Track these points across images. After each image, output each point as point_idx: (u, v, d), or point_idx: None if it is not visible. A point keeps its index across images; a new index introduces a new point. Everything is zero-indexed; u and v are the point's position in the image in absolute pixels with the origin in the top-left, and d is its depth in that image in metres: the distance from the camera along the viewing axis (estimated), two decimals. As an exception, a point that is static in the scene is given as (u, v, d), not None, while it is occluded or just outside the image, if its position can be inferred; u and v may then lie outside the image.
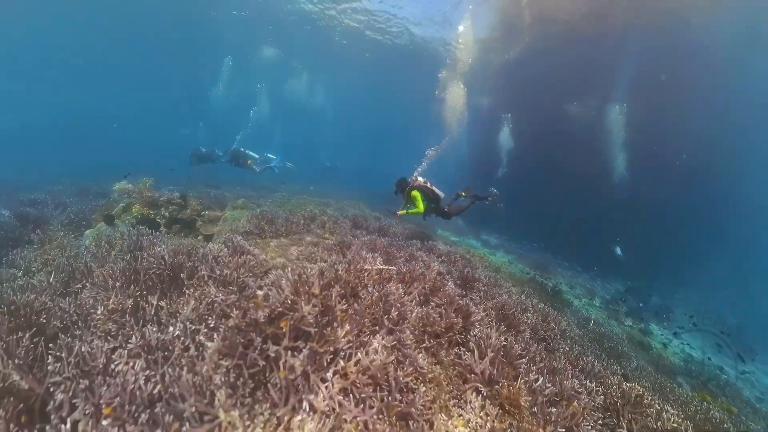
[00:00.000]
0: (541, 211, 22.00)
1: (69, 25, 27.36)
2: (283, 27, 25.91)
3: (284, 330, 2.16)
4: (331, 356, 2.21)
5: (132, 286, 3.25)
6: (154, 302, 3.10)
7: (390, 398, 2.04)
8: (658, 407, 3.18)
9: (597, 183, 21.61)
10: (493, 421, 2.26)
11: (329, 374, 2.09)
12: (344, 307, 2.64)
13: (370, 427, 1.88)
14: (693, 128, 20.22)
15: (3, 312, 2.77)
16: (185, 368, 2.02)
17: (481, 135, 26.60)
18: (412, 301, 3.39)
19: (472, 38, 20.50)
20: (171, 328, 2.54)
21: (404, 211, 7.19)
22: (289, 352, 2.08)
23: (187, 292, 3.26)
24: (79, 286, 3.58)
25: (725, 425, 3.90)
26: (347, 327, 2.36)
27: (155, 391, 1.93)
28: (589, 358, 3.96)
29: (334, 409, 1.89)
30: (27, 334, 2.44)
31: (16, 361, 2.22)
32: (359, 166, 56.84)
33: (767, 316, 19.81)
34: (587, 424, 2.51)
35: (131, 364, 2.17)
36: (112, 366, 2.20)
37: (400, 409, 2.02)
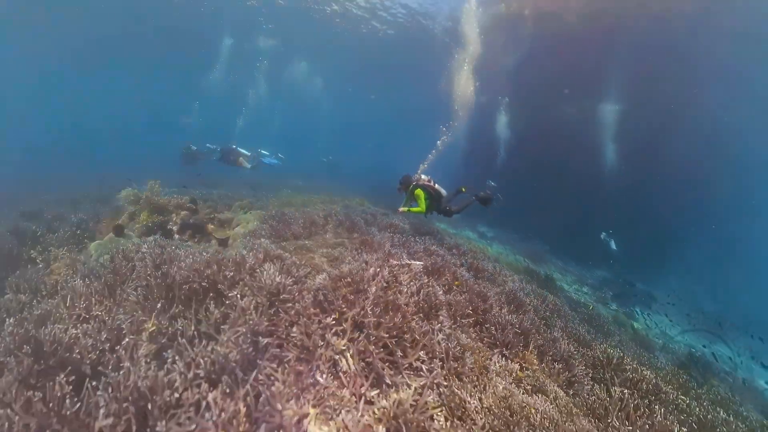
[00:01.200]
0: (533, 204, 23.03)
1: (56, 27, 27.15)
2: (282, 15, 25.70)
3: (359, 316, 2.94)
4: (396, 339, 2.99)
5: (167, 304, 3.11)
6: (192, 316, 2.98)
7: (448, 364, 2.84)
8: (635, 366, 4.06)
9: (588, 177, 22.73)
10: (515, 373, 3.09)
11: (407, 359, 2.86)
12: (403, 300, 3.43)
13: (439, 382, 2.68)
14: (681, 125, 21.45)
15: (28, 354, 2.35)
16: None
17: (479, 127, 27.33)
18: (440, 290, 4.20)
19: (476, 25, 20.72)
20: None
21: (406, 209, 7.25)
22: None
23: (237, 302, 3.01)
24: (102, 309, 3.34)
25: (688, 382, 4.84)
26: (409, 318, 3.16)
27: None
28: (581, 331, 4.85)
29: (417, 369, 2.68)
30: (62, 376, 2.17)
31: (64, 412, 1.96)
32: (356, 162, 56.94)
33: (744, 302, 21.24)
34: (582, 375, 3.37)
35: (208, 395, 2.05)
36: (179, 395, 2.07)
37: (457, 370, 2.83)
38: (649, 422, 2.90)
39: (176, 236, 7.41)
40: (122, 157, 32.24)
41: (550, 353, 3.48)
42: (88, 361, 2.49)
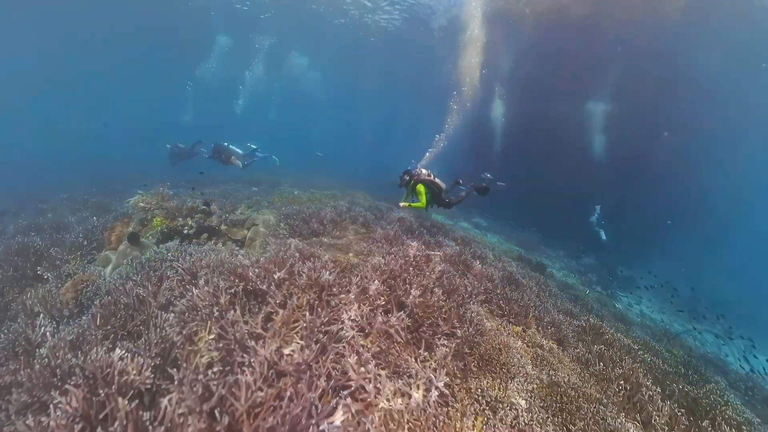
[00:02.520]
0: (526, 196, 24.17)
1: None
2: (282, 9, 25.75)
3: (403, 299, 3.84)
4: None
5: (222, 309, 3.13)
6: (248, 319, 3.06)
7: (470, 330, 3.76)
8: (612, 332, 5.08)
9: (578, 170, 23.99)
10: (520, 331, 4.05)
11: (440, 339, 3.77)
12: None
13: (468, 340, 3.60)
14: (667, 121, 22.81)
15: (78, 386, 2.14)
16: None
17: (477, 120, 28.09)
18: (456, 274, 5.13)
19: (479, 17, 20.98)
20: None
21: (407, 204, 7.30)
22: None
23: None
24: (140, 325, 3.24)
25: (656, 348, 5.90)
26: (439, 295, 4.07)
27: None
28: (569, 306, 5.85)
29: (453, 334, 3.59)
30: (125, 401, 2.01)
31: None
32: (354, 156, 56.86)
33: (716, 287, 22.87)
34: (570, 337, 4.35)
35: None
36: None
37: (479, 331, 3.76)
38: (620, 368, 3.89)
39: (194, 240, 7.23)
40: (121, 159, 31.82)
41: (545, 320, 4.45)
42: (148, 383, 2.31)
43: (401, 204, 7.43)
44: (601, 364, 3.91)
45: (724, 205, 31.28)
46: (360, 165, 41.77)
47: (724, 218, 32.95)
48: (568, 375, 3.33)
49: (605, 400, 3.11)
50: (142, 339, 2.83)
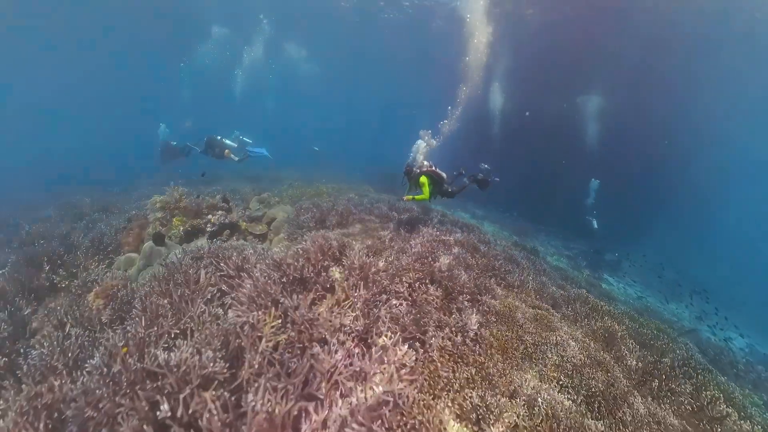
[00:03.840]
0: (520, 186, 25.32)
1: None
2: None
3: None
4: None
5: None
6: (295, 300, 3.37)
7: (486, 297, 4.77)
8: (596, 300, 6.16)
9: (571, 161, 25.19)
10: (521, 297, 5.09)
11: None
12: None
13: (485, 303, 4.62)
14: (657, 115, 24.10)
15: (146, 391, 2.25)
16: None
17: (477, 111, 28.91)
18: (469, 255, 6.14)
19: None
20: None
21: (410, 197, 7.33)
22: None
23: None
24: (189, 322, 3.30)
25: (635, 316, 7.01)
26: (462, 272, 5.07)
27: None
28: (560, 282, 6.92)
29: (474, 299, 4.60)
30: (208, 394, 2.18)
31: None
32: (355, 150, 56.49)
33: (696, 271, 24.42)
34: (561, 303, 5.42)
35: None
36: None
37: (492, 295, 4.78)
38: (602, 323, 4.96)
39: (217, 238, 7.42)
40: (112, 159, 31.23)
41: (541, 292, 5.51)
42: (221, 377, 2.41)
43: (405, 198, 7.44)
44: (586, 320, 4.98)
45: (707, 195, 32.93)
46: (359, 158, 42.08)
47: (707, 208, 34.66)
48: (560, 326, 4.38)
49: (588, 341, 4.18)
50: (198, 335, 2.86)
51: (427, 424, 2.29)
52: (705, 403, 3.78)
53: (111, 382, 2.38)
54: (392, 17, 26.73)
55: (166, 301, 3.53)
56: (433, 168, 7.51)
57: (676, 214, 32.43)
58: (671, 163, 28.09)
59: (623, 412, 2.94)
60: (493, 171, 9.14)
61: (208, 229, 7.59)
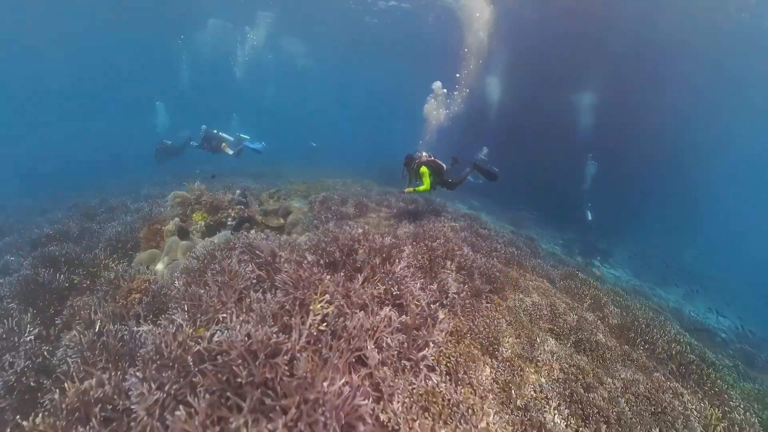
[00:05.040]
0: (516, 178, 26.22)
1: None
2: None
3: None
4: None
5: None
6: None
7: (494, 271, 5.56)
8: (586, 277, 7.00)
9: (565, 155, 26.11)
10: (521, 273, 5.90)
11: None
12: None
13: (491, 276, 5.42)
14: (648, 111, 25.10)
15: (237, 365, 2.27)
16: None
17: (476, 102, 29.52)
18: (474, 238, 6.93)
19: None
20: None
21: (411, 189, 7.33)
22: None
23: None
24: (232, 307, 3.34)
25: (621, 293, 7.88)
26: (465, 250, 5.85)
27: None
28: (554, 264, 7.76)
29: (485, 273, 5.39)
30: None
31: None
32: (353, 144, 56.24)
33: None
34: (556, 279, 6.24)
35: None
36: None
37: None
38: (589, 291, 5.79)
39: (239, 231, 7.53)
40: (110, 159, 31.24)
41: (538, 269, 6.33)
42: (298, 347, 2.57)
43: (406, 190, 7.45)
44: (576, 290, 5.82)
45: (696, 186, 34.13)
46: (357, 152, 42.36)
47: (695, 198, 35.89)
48: (554, 294, 5.20)
49: (577, 305, 5.00)
50: (247, 315, 3.02)
51: (460, 356, 3.06)
52: (674, 353, 4.63)
53: (175, 365, 2.43)
54: (387, 8, 26.95)
55: (204, 290, 3.64)
56: (432, 158, 7.55)
57: (665, 203, 33.60)
58: (661, 155, 29.20)
59: (603, 350, 3.76)
60: (489, 161, 9.09)
61: (229, 223, 7.88)
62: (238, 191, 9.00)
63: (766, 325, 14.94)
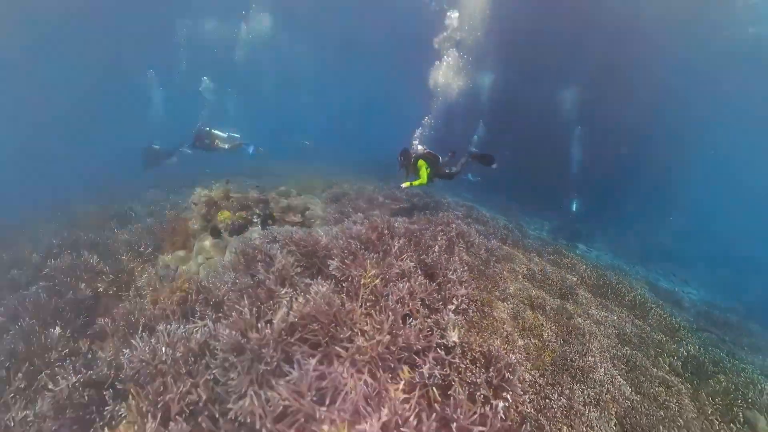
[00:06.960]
0: (505, 169, 27.65)
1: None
2: None
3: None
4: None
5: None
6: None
7: (496, 249, 6.82)
8: (569, 252, 8.34)
9: (552, 148, 27.73)
10: (515, 249, 7.19)
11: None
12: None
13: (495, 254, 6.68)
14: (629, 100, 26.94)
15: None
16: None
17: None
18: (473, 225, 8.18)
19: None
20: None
21: (408, 184, 7.45)
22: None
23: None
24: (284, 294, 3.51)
25: (599, 267, 9.27)
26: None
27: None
28: (541, 244, 9.10)
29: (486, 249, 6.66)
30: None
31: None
32: (346, 141, 55.60)
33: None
34: (547, 258, 7.56)
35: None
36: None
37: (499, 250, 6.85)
38: (574, 262, 7.12)
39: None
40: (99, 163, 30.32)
41: (530, 249, 7.64)
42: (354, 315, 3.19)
43: (403, 185, 7.53)
44: (559, 260, 7.15)
45: (673, 175, 36.33)
46: (350, 148, 42.09)
47: (673, 187, 38.10)
48: (543, 263, 6.50)
49: (562, 271, 6.32)
50: (304, 296, 3.33)
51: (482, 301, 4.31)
52: (638, 303, 5.98)
53: (257, 347, 2.72)
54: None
55: (252, 282, 3.83)
56: (427, 150, 7.67)
57: (643, 191, 35.64)
58: (640, 146, 31.10)
59: (582, 297, 5.06)
60: (479, 155, 9.11)
61: (254, 220, 7.98)
62: (256, 189, 9.52)
63: (727, 295, 16.75)
